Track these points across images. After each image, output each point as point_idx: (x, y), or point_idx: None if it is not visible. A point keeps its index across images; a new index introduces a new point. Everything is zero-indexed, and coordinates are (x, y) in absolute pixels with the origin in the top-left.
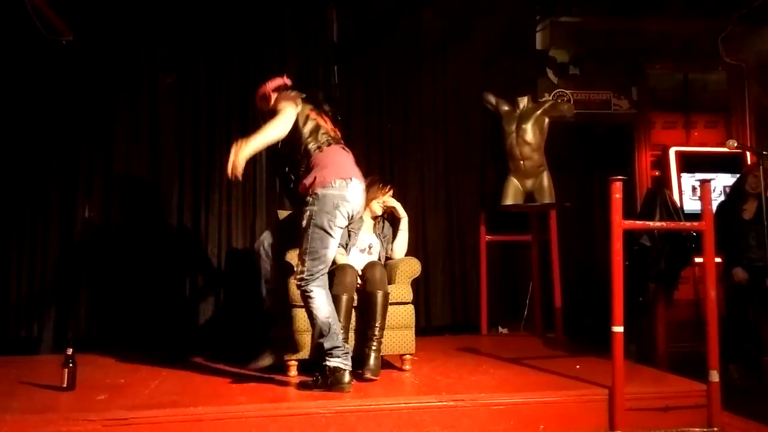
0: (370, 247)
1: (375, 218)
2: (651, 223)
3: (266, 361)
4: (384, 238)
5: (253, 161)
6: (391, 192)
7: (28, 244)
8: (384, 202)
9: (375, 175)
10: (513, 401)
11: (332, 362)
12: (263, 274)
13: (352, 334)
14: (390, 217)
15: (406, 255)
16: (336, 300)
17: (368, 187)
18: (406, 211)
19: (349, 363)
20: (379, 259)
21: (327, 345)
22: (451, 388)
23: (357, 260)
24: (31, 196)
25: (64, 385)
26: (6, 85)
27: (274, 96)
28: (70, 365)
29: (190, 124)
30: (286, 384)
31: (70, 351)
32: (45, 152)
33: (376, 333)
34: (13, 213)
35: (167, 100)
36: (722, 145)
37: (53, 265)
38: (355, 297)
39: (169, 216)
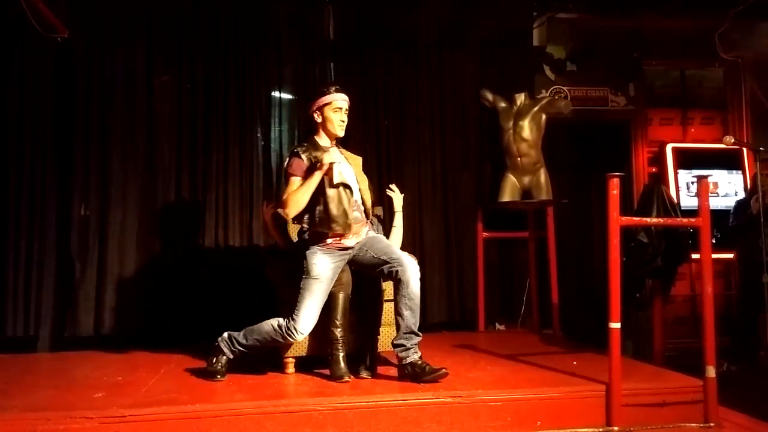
0: None
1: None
2: (648, 220)
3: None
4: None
5: (250, 159)
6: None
7: (25, 241)
8: (390, 186)
9: None
10: (510, 398)
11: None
12: None
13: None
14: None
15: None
16: (333, 297)
17: None
18: (402, 208)
19: None
20: None
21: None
22: (448, 384)
23: None
24: (28, 193)
25: None
26: (2, 82)
27: None
28: None
29: (187, 121)
30: (283, 381)
31: None
32: (41, 150)
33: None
34: (9, 210)
35: (163, 98)
36: (719, 141)
37: (50, 262)
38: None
39: (165, 214)
